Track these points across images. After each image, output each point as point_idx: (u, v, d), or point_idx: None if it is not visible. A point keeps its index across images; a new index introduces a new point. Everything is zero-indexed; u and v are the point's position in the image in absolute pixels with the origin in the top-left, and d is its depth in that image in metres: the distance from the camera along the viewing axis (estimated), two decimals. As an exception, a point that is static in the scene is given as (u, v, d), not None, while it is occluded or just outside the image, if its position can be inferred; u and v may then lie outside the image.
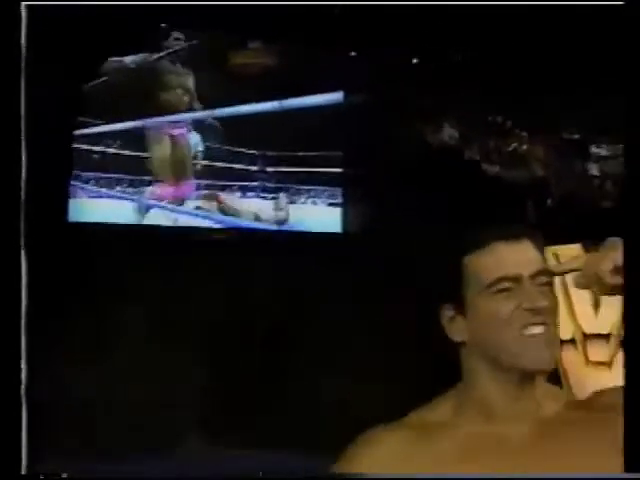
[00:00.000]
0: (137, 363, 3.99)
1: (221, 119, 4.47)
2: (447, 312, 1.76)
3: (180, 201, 4.44)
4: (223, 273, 4.28)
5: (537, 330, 1.68)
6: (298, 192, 4.56)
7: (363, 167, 4.48)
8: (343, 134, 4.53)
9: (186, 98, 4.47)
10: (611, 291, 1.65)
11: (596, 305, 3.93)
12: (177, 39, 4.41)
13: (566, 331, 3.93)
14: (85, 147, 4.32)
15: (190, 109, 4.48)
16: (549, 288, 1.73)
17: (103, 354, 3.96)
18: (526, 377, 1.72)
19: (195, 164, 4.49)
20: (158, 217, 4.43)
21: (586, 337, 3.99)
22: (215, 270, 4.23)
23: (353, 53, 4.57)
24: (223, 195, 4.48)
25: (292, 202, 4.56)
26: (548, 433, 1.72)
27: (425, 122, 4.55)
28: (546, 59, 4.25)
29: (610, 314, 3.87)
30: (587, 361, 3.99)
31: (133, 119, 4.42)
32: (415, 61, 4.59)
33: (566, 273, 1.73)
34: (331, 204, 4.57)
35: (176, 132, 4.47)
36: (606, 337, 3.91)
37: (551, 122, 4.54)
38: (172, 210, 4.42)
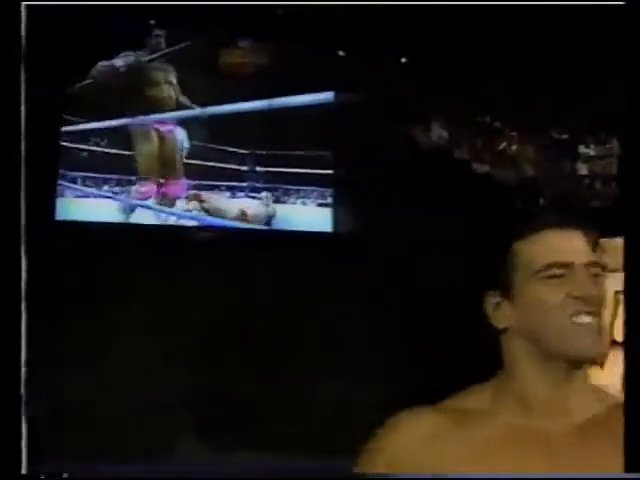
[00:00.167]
0: (132, 363, 3.98)
1: (210, 118, 4.46)
2: (492, 299, 1.76)
3: (171, 201, 4.42)
4: (213, 273, 4.27)
5: (586, 319, 1.68)
6: (287, 192, 4.56)
7: (353, 167, 4.48)
8: (332, 134, 4.52)
9: (174, 96, 4.45)
10: None
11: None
12: (166, 38, 4.39)
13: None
14: (72, 145, 4.30)
15: (178, 107, 4.47)
16: (599, 279, 1.72)
17: (96, 354, 3.95)
18: (571, 369, 1.71)
19: (185, 163, 4.47)
20: (145, 216, 4.41)
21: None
22: (205, 270, 4.22)
23: (341, 53, 4.56)
24: (204, 194, 4.46)
25: (282, 202, 4.55)
26: (587, 431, 1.70)
27: (414, 122, 4.55)
28: (535, 59, 4.26)
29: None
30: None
31: (121, 117, 4.41)
32: (404, 60, 4.59)
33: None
34: (321, 204, 4.56)
35: (163, 129, 4.46)
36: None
37: (540, 122, 4.55)
38: (160, 210, 4.41)
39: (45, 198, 4.17)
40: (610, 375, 3.48)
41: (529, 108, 4.49)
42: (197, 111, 4.47)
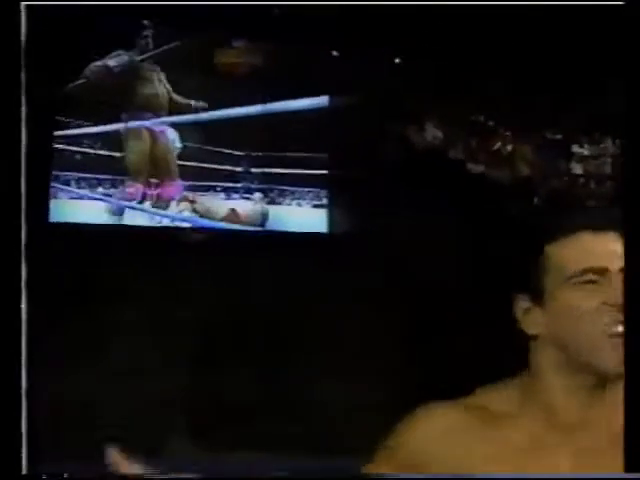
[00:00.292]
0: (131, 363, 3.98)
1: (205, 119, 4.45)
2: (522, 303, 1.69)
3: (166, 202, 4.42)
4: (208, 274, 4.26)
5: (620, 328, 1.57)
6: (283, 193, 4.55)
7: (348, 168, 4.47)
8: (327, 135, 4.52)
9: (168, 96, 4.44)
10: None
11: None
12: (160, 37, 4.38)
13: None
14: (65, 147, 4.29)
15: (172, 107, 4.46)
16: None
17: (94, 354, 3.95)
18: (600, 381, 1.63)
19: (179, 165, 4.46)
20: (139, 218, 4.40)
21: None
22: (200, 271, 4.22)
23: (335, 53, 4.56)
24: (194, 196, 4.45)
25: (277, 203, 4.55)
26: (612, 448, 1.55)
27: (409, 122, 4.55)
28: (529, 59, 4.26)
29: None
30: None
31: (114, 119, 4.39)
32: (398, 61, 4.59)
33: None
34: (316, 205, 4.56)
35: (156, 129, 4.44)
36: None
37: (534, 122, 4.55)
38: (155, 212, 4.40)
39: (39, 200, 4.16)
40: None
41: (523, 108, 4.49)
42: (192, 112, 4.45)
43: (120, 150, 4.40)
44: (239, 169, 4.50)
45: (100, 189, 4.36)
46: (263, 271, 4.28)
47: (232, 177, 4.51)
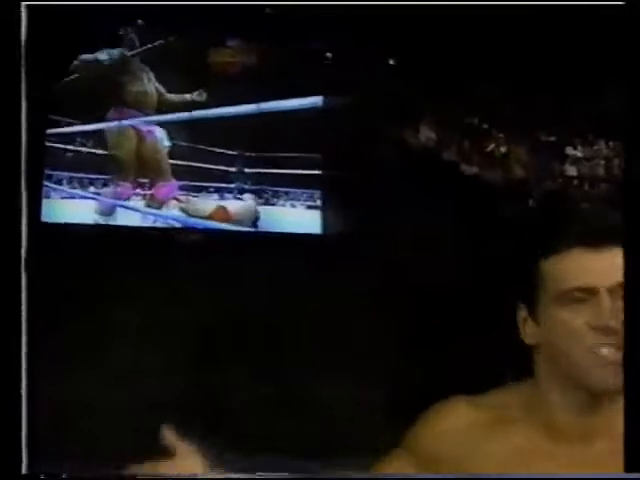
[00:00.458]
0: (127, 364, 3.98)
1: (198, 118, 4.44)
2: (521, 312, 1.70)
3: (160, 203, 4.41)
4: (201, 274, 4.26)
5: (605, 351, 1.57)
6: (277, 194, 4.55)
7: (342, 169, 4.47)
8: (321, 136, 4.51)
9: (157, 96, 4.43)
10: None
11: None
12: (153, 36, 4.37)
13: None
14: (57, 146, 4.28)
15: (165, 107, 4.45)
16: None
17: (91, 354, 3.95)
18: (594, 395, 1.63)
19: (172, 164, 4.45)
20: (132, 218, 4.40)
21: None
22: (193, 271, 4.21)
23: (329, 54, 4.56)
24: (183, 196, 4.45)
25: (271, 204, 4.54)
26: (609, 459, 1.56)
27: (402, 124, 4.55)
28: (523, 61, 4.26)
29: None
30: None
31: (105, 116, 4.38)
32: (392, 62, 4.59)
33: None
34: (310, 206, 4.55)
35: (143, 128, 4.43)
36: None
37: (528, 124, 4.56)
38: (147, 212, 4.39)
39: (32, 200, 4.13)
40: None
41: (517, 110, 4.49)
42: (188, 107, 4.44)
43: (110, 148, 4.38)
44: (233, 169, 4.50)
45: (92, 188, 4.35)
46: (256, 272, 4.27)
47: (225, 177, 4.50)
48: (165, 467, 1.75)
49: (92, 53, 4.31)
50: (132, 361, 4.00)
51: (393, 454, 1.83)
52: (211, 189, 4.49)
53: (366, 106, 4.48)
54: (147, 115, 4.43)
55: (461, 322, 4.03)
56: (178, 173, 4.45)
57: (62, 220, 4.28)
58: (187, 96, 4.43)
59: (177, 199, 4.42)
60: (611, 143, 4.39)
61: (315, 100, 4.52)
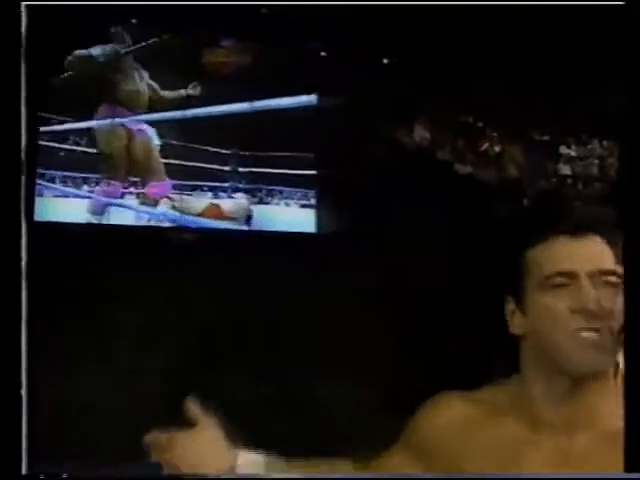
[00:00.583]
0: (125, 363, 3.98)
1: (193, 118, 4.44)
2: (509, 305, 1.74)
3: (155, 201, 4.40)
4: (194, 274, 4.26)
5: (588, 334, 1.61)
6: (271, 193, 4.54)
7: (336, 168, 4.47)
8: (315, 135, 4.51)
9: (149, 95, 4.43)
10: None
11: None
12: (146, 35, 4.37)
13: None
14: (50, 144, 4.27)
15: (159, 106, 4.44)
16: (613, 289, 1.63)
17: (89, 355, 3.94)
18: (578, 382, 1.66)
19: (165, 163, 4.44)
20: (125, 217, 4.39)
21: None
22: (188, 270, 4.21)
23: (323, 53, 4.56)
24: (174, 194, 4.44)
25: (265, 203, 4.54)
26: (589, 450, 1.64)
27: (397, 123, 4.55)
28: (517, 60, 4.27)
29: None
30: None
31: (95, 115, 4.37)
32: (386, 61, 4.59)
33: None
34: (304, 205, 4.55)
35: (133, 127, 4.43)
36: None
37: (521, 123, 4.56)
38: (140, 211, 4.39)
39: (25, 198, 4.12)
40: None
41: (511, 109, 4.50)
42: (183, 103, 4.44)
43: (100, 147, 4.37)
44: (227, 168, 4.50)
45: (85, 187, 4.34)
46: (252, 271, 4.27)
47: (219, 176, 4.50)
48: (185, 436, 1.81)
49: (85, 51, 4.30)
50: (131, 361, 4.00)
51: (392, 449, 1.86)
52: (205, 188, 4.49)
53: (360, 105, 4.48)
54: (138, 114, 4.42)
55: (456, 320, 4.04)
56: (171, 172, 4.44)
57: (55, 219, 4.26)
58: (182, 91, 4.43)
59: (169, 198, 4.41)
60: (605, 142, 4.40)
61: (309, 99, 4.52)
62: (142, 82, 4.40)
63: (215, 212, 4.46)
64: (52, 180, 4.29)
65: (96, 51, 4.32)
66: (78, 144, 4.34)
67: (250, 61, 4.47)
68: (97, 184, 4.35)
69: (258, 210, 4.53)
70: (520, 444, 1.69)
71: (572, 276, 1.64)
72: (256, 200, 4.53)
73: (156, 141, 4.42)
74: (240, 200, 4.50)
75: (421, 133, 4.55)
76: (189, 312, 4.18)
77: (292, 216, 4.54)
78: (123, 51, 4.35)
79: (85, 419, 3.74)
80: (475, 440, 1.73)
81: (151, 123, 4.43)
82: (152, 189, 4.40)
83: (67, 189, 4.31)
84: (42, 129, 4.22)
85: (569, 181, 4.49)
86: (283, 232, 4.52)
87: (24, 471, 1.41)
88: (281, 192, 4.55)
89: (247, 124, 4.45)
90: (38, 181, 4.23)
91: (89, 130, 4.35)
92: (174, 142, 4.44)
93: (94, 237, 4.22)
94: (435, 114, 4.58)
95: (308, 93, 4.51)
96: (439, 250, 4.29)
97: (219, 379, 3.93)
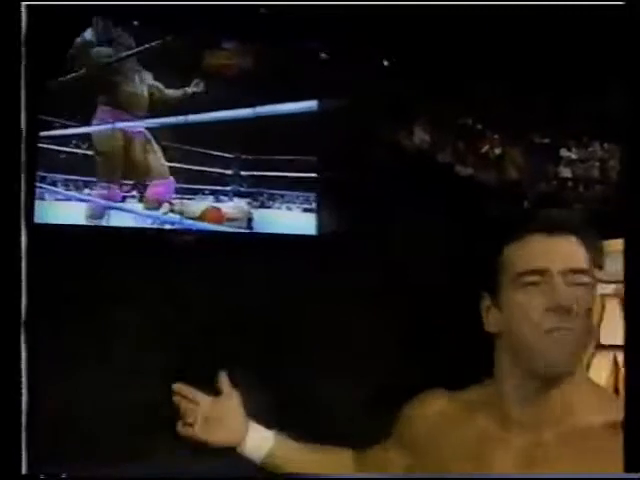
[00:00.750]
0: (125, 364, 3.98)
1: (194, 121, 4.43)
2: (485, 302, 1.77)
3: (157, 204, 4.40)
4: (194, 276, 4.25)
5: (558, 332, 1.63)
6: (273, 197, 4.54)
7: (337, 171, 4.47)
8: (316, 138, 4.51)
9: (158, 93, 4.42)
10: None
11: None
12: (147, 38, 4.36)
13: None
14: (51, 147, 4.26)
15: (160, 106, 4.44)
16: (585, 289, 1.65)
17: (89, 355, 3.94)
18: (549, 382, 1.68)
19: (169, 167, 4.44)
20: (120, 219, 4.38)
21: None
22: (189, 273, 4.21)
23: (323, 54, 4.56)
24: (175, 198, 4.44)
25: (267, 207, 4.54)
26: (558, 449, 1.65)
27: (397, 125, 4.55)
28: (518, 62, 4.27)
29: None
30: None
31: (94, 118, 4.35)
32: (386, 63, 4.59)
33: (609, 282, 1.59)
34: (306, 209, 4.55)
35: (133, 130, 4.42)
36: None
37: (522, 125, 4.56)
38: (137, 213, 4.38)
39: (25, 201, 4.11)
40: (596, 379, 3.50)
41: (511, 111, 4.50)
42: (187, 100, 4.43)
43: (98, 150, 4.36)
44: (229, 172, 4.50)
45: (87, 190, 4.33)
46: (253, 272, 4.28)
47: (221, 180, 4.50)
48: (209, 399, 2.03)
49: (85, 53, 4.29)
50: (131, 361, 4.00)
51: (386, 441, 1.96)
52: (206, 191, 4.48)
53: (360, 107, 4.48)
54: (136, 116, 4.41)
55: (456, 321, 4.03)
56: (172, 176, 4.43)
57: (55, 222, 4.26)
58: (186, 89, 4.42)
59: (170, 202, 4.41)
60: (606, 145, 4.39)
61: (310, 104, 4.51)
62: (142, 84, 4.40)
63: (215, 215, 4.46)
64: (54, 184, 4.29)
65: (96, 55, 4.31)
66: (79, 147, 4.33)
67: (251, 63, 4.47)
68: (98, 187, 4.34)
69: (260, 214, 4.52)
70: (489, 441, 1.72)
71: (545, 274, 1.65)
72: (258, 204, 4.53)
73: (154, 144, 4.41)
74: (240, 203, 4.49)
75: (421, 135, 4.55)
76: (189, 314, 4.18)
77: (294, 220, 4.53)
78: (123, 54, 4.35)
79: (85, 419, 3.74)
80: (449, 436, 1.77)
81: (152, 126, 4.42)
82: (155, 188, 4.40)
83: (69, 192, 4.30)
84: (44, 133, 4.21)
85: (570, 184, 4.48)
86: (284, 234, 4.51)
87: (24, 471, 1.42)
88: (283, 196, 4.55)
89: (249, 128, 4.45)
90: (39, 184, 4.22)
91: (87, 133, 4.34)
92: (175, 145, 4.44)
93: (95, 239, 4.22)
94: (435, 116, 4.57)
95: (308, 94, 4.51)
96: (439, 251, 4.29)
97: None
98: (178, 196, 4.42)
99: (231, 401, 2.06)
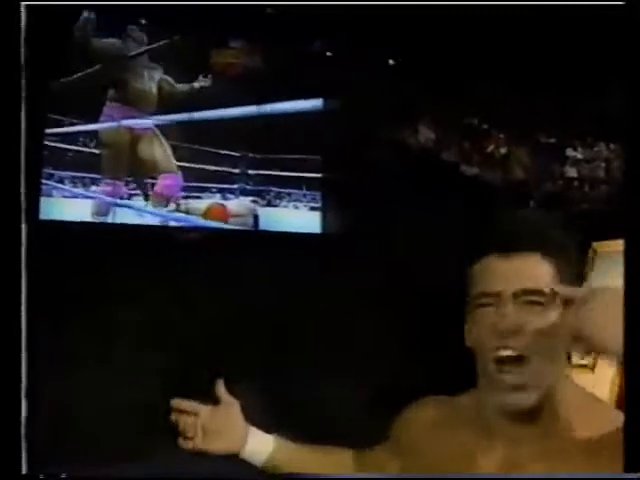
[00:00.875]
0: (127, 363, 3.98)
1: (200, 120, 4.44)
2: (467, 316, 1.76)
3: (166, 201, 4.40)
4: (200, 274, 4.26)
5: (506, 354, 1.61)
6: (279, 195, 4.55)
7: (342, 171, 4.47)
8: (321, 137, 4.51)
9: (170, 88, 4.43)
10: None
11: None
12: (154, 37, 4.37)
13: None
14: (58, 145, 4.27)
15: (170, 101, 4.44)
16: (541, 309, 1.60)
17: (91, 354, 3.95)
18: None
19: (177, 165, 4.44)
20: (125, 217, 4.38)
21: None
22: (194, 271, 4.21)
23: (329, 53, 4.56)
24: (181, 196, 4.44)
25: (273, 205, 4.54)
26: (538, 460, 1.63)
27: (402, 124, 4.55)
28: (523, 61, 4.26)
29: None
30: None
31: (101, 115, 4.36)
32: (392, 62, 4.58)
33: (572, 300, 1.54)
34: (313, 208, 4.55)
35: (138, 127, 4.42)
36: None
37: (528, 125, 4.55)
38: (143, 211, 4.38)
39: (31, 198, 4.11)
40: (601, 380, 3.50)
41: (517, 111, 4.49)
42: (194, 94, 4.43)
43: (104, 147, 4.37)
44: (236, 170, 4.50)
45: (93, 187, 4.34)
46: (258, 271, 4.28)
47: (228, 178, 4.50)
48: (208, 409, 2.01)
49: (93, 51, 4.30)
50: (133, 361, 4.00)
51: (383, 444, 1.96)
52: (213, 190, 4.49)
53: (366, 106, 4.48)
54: (145, 113, 4.42)
55: (459, 322, 4.03)
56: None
57: (60, 218, 4.26)
58: (195, 84, 4.42)
59: (176, 202, 4.41)
60: (611, 145, 4.39)
61: (316, 103, 4.51)
62: (151, 81, 4.40)
63: (219, 212, 4.46)
64: (61, 181, 4.29)
65: (103, 54, 4.32)
66: (87, 145, 4.34)
67: (257, 62, 4.47)
68: (104, 184, 4.35)
69: (266, 213, 4.53)
70: (472, 449, 1.72)
71: (496, 296, 1.64)
72: (265, 202, 4.53)
73: (163, 141, 4.42)
74: (245, 201, 4.49)
75: (426, 133, 4.55)
76: (194, 311, 4.18)
77: (300, 218, 4.54)
78: (131, 53, 4.36)
79: (85, 419, 3.74)
80: (441, 442, 1.77)
81: (160, 124, 4.43)
82: (163, 181, 4.40)
83: (76, 190, 4.31)
84: (50, 130, 4.22)
85: (575, 184, 4.48)
86: (289, 232, 4.52)
87: (24, 471, 1.42)
88: (289, 194, 4.55)
89: (255, 126, 4.46)
90: (47, 182, 4.23)
91: (96, 130, 4.35)
92: (183, 144, 4.44)
93: (100, 236, 4.22)
94: (440, 115, 4.57)
95: (314, 93, 4.51)
96: (444, 251, 4.29)
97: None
98: (185, 194, 4.42)
99: (230, 409, 2.04)
